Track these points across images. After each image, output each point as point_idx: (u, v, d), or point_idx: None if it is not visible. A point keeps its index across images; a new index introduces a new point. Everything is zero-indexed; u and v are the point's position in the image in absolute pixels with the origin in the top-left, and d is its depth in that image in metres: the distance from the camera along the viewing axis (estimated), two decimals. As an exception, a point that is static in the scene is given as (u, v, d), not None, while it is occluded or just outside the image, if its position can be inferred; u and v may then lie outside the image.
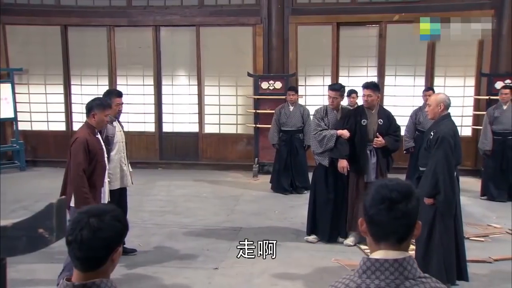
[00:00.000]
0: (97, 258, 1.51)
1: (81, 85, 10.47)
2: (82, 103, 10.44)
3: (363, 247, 5.34)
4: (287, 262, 5.11)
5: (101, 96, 5.08)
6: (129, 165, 5.39)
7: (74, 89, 10.51)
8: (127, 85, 10.39)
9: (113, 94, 5.18)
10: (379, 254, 1.43)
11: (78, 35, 10.30)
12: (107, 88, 10.36)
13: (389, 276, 1.38)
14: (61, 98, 10.53)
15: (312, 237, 5.73)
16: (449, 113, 4.47)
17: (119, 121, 5.34)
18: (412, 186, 1.48)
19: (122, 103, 5.24)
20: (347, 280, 1.43)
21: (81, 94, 10.44)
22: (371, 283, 1.39)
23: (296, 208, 7.11)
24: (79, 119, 10.58)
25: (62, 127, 10.61)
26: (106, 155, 4.57)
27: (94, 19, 10.10)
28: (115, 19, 10.12)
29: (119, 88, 10.29)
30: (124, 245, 5.18)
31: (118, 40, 10.27)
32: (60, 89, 10.50)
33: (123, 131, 5.38)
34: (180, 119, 10.42)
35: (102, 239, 1.49)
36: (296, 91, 8.47)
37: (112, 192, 4.93)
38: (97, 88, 10.43)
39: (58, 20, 10.17)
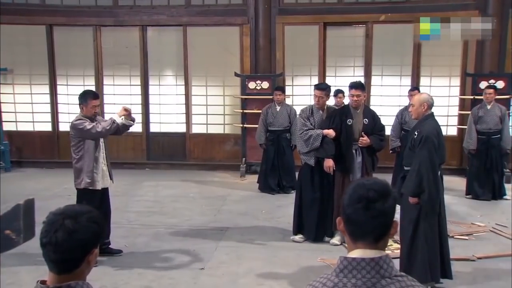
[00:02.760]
0: (72, 260, 1.50)
1: (67, 85, 10.39)
2: (68, 103, 10.41)
3: (349, 246, 5.37)
4: (273, 262, 5.12)
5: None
6: (109, 164, 5.32)
7: (60, 89, 10.43)
8: (113, 85, 10.35)
9: (89, 95, 5.14)
10: (356, 253, 1.44)
11: (64, 35, 10.23)
12: (93, 88, 10.33)
13: (365, 275, 1.39)
14: (47, 98, 10.45)
15: (298, 237, 5.74)
16: (432, 113, 4.51)
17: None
18: (389, 186, 1.49)
19: (98, 105, 5.19)
20: (325, 279, 1.44)
21: (67, 94, 10.37)
22: (348, 282, 1.39)
23: (283, 207, 7.12)
24: (65, 119, 10.51)
25: (48, 127, 10.53)
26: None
27: (80, 19, 10.04)
28: (101, 19, 10.06)
29: (105, 88, 10.30)
30: (110, 246, 5.17)
31: (105, 40, 10.21)
32: (46, 89, 10.42)
33: None
34: (167, 119, 10.39)
35: (78, 241, 1.47)
36: (283, 91, 8.48)
37: (95, 192, 4.94)
38: (83, 88, 10.30)
39: (43, 20, 10.09)
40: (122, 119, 5.03)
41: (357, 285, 1.38)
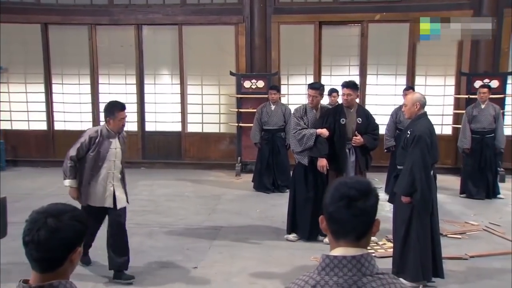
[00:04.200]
0: (55, 259, 1.50)
1: (62, 84, 10.38)
2: (63, 102, 10.41)
3: (342, 245, 5.39)
4: (267, 261, 5.13)
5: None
6: (121, 185, 4.83)
7: (55, 88, 10.42)
8: (109, 84, 10.34)
9: (117, 107, 4.56)
10: (338, 251, 1.45)
11: (59, 34, 10.21)
12: (89, 87, 10.35)
13: (347, 273, 1.40)
14: (42, 97, 10.43)
15: (292, 236, 5.76)
16: (425, 112, 4.53)
17: (121, 136, 4.80)
18: (371, 184, 1.50)
19: (126, 117, 4.67)
20: (307, 277, 1.45)
21: (63, 93, 10.38)
22: (330, 280, 1.41)
23: (278, 207, 7.12)
24: (61, 118, 10.53)
25: (43, 126, 10.51)
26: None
27: (75, 18, 10.02)
28: (97, 18, 10.05)
29: (100, 87, 10.28)
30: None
31: (100, 39, 10.20)
32: (41, 88, 10.40)
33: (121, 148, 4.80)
34: (163, 118, 10.39)
35: (60, 240, 1.47)
36: (278, 90, 8.49)
37: (91, 208, 4.66)
38: (78, 87, 10.39)
39: (38, 18, 10.08)
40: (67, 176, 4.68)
41: (339, 283, 1.40)
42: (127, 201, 4.89)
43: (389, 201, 4.76)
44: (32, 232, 1.46)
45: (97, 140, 4.54)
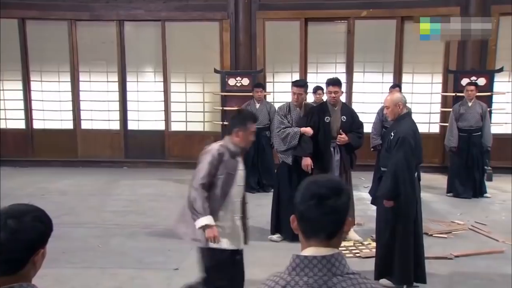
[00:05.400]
0: (16, 261, 1.48)
1: (41, 81, 10.30)
2: (42, 100, 10.32)
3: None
4: (250, 262, 5.07)
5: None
6: (244, 221, 3.96)
7: (33, 85, 10.33)
8: (90, 81, 10.29)
9: (250, 118, 3.76)
10: (308, 251, 1.46)
11: (37, 29, 10.11)
12: (69, 84, 10.26)
13: (317, 273, 1.41)
14: (20, 95, 10.33)
15: (276, 236, 5.78)
16: (408, 111, 4.55)
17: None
18: (342, 183, 1.51)
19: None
20: (277, 277, 1.46)
21: (42, 91, 10.30)
22: (300, 280, 1.41)
23: (262, 206, 7.11)
24: (40, 116, 10.44)
25: (21, 125, 10.41)
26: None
27: (54, 13, 9.93)
28: (77, 13, 9.97)
29: (81, 84, 10.21)
30: None
31: (80, 35, 10.13)
32: (19, 85, 10.30)
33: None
34: (146, 117, 10.36)
35: (21, 241, 1.46)
36: (264, 88, 8.49)
37: (223, 252, 3.69)
38: (58, 84, 10.31)
39: (15, 13, 9.96)
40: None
41: (309, 283, 1.40)
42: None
43: (372, 203, 4.78)
44: (-9, 234, 1.44)
45: (224, 158, 3.60)
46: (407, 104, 7.84)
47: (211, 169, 3.54)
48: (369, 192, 6.25)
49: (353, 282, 1.42)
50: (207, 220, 3.50)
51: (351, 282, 1.42)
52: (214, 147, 3.65)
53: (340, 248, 4.78)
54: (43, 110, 10.38)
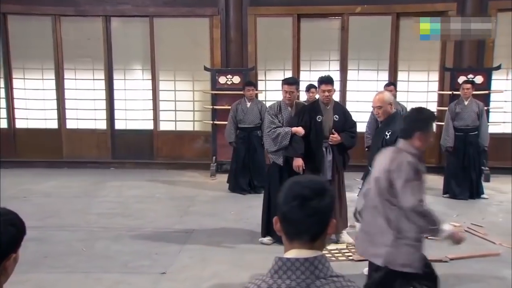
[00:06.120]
0: None
1: (24, 79, 10.25)
2: (25, 99, 10.26)
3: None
4: (240, 265, 5.14)
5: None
6: None
7: (16, 83, 10.27)
8: (75, 79, 10.25)
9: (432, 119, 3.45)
10: (291, 253, 1.47)
11: (20, 25, 10.04)
12: (53, 82, 10.21)
13: (300, 276, 1.42)
14: (2, 93, 10.27)
15: (267, 239, 5.78)
16: (397, 110, 4.59)
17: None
18: (326, 183, 1.52)
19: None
20: (259, 280, 1.46)
21: (25, 89, 10.25)
22: (282, 283, 1.42)
23: (253, 208, 7.12)
24: (23, 115, 10.38)
25: (3, 124, 10.35)
26: None
27: (37, 7, 9.87)
28: (61, 8, 9.92)
29: (66, 82, 10.17)
30: None
31: (65, 31, 10.08)
32: (0, 83, 10.22)
33: None
34: (134, 116, 10.33)
35: None
36: (255, 86, 8.50)
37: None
38: (42, 82, 10.26)
39: (-5, 8, 9.90)
40: None
41: (291, 286, 1.41)
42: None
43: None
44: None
45: (418, 167, 3.29)
46: (402, 103, 7.97)
47: (412, 184, 3.21)
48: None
49: (337, 285, 1.43)
50: (447, 226, 3.35)
51: (334, 285, 1.42)
52: (403, 160, 3.25)
53: (333, 251, 4.79)
54: (26, 109, 10.32)
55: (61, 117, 10.28)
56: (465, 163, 7.76)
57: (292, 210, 1.46)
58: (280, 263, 1.45)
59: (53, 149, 10.19)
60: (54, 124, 10.35)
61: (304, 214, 1.45)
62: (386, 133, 4.43)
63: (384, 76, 9.68)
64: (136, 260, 5.25)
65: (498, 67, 9.06)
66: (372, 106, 4.51)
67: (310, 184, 1.48)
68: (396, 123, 4.47)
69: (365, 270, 4.70)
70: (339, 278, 1.45)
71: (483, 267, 5.09)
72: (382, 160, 3.37)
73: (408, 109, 8.01)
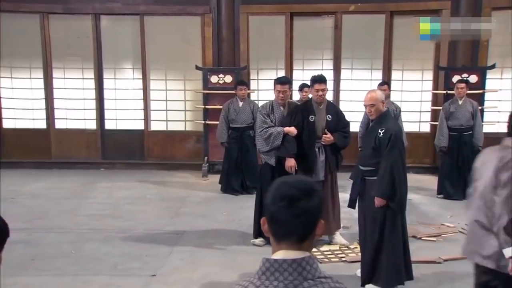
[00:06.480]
0: None
1: (11, 78, 10.20)
2: (13, 98, 10.22)
3: (311, 249, 5.45)
4: (231, 267, 5.15)
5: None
6: None
7: (3, 82, 10.22)
8: (64, 78, 10.22)
9: None
10: (279, 255, 1.47)
11: (7, 23, 9.93)
12: (41, 81, 10.17)
13: (287, 277, 1.43)
14: (-12, 92, 10.22)
15: (259, 240, 5.78)
16: (388, 108, 4.64)
17: None
18: (314, 184, 1.52)
19: None
20: (247, 282, 1.47)
21: (12, 88, 10.21)
22: (270, 285, 1.43)
23: (246, 209, 7.13)
24: (10, 115, 10.34)
25: (-10, 124, 10.30)
26: None
27: (25, 5, 9.81)
28: (49, 6, 9.87)
29: (55, 81, 10.13)
30: None
31: (53, 29, 10.04)
32: (-14, 82, 10.19)
33: None
34: (124, 116, 10.31)
35: None
36: (247, 86, 8.51)
37: None
38: (30, 81, 10.22)
39: (-18, 5, 9.84)
40: None
41: (279, 288, 1.42)
42: None
43: (349, 206, 4.79)
44: None
45: None
46: (396, 103, 8.01)
47: None
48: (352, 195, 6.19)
49: (325, 286, 1.44)
50: None
51: (322, 286, 1.43)
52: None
53: (326, 252, 4.82)
54: (14, 108, 10.27)
55: (50, 117, 10.25)
56: (460, 163, 7.78)
57: (280, 211, 1.46)
58: (268, 264, 1.46)
59: (41, 150, 10.15)
60: (42, 124, 10.31)
61: (291, 215, 1.46)
62: (379, 131, 4.43)
63: (378, 75, 9.70)
64: (126, 262, 5.25)
65: (493, 66, 9.12)
66: (364, 105, 4.52)
67: (298, 184, 1.48)
68: (388, 121, 4.50)
69: (358, 272, 4.74)
70: (327, 279, 1.46)
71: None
72: (489, 158, 3.19)
73: (402, 108, 8.08)
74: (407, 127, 8.36)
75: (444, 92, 9.09)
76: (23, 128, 10.23)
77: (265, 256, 1.51)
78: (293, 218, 1.46)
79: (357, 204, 4.75)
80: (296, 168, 5.53)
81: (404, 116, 7.94)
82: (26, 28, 9.99)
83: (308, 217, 1.48)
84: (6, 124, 10.29)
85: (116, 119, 10.35)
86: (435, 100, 9.64)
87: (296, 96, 8.23)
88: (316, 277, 1.44)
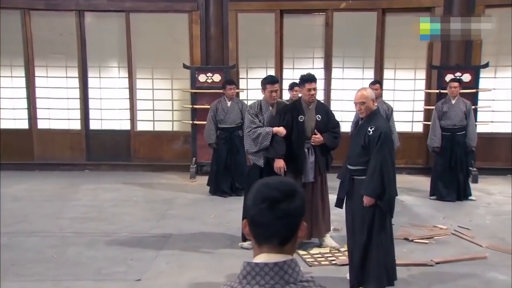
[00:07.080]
0: None
1: (-9, 76, 10.13)
2: (-6, 97, 10.13)
3: (300, 252, 5.46)
4: (218, 271, 5.14)
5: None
6: None
7: (-17, 81, 10.15)
8: (47, 77, 10.17)
9: None
10: (260, 258, 1.47)
11: (-14, 19, 9.91)
12: (23, 80, 10.10)
13: (269, 281, 1.42)
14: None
15: (247, 243, 5.77)
16: (378, 107, 4.67)
17: None
18: (295, 186, 1.52)
19: None
20: (228, 286, 1.47)
21: (-7, 87, 10.12)
22: (251, 289, 1.42)
23: (234, 212, 7.12)
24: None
25: (-29, 124, 10.21)
26: None
27: (5, 0, 9.72)
28: (31, 1, 9.83)
29: (37, 80, 10.07)
30: None
31: (35, 26, 9.99)
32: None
33: None
34: (109, 116, 10.28)
35: None
36: (236, 85, 8.50)
37: None
38: (11, 80, 10.16)
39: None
40: None
41: (260, 292, 1.41)
42: None
43: (337, 205, 4.80)
44: None
45: None
46: (388, 102, 8.04)
47: None
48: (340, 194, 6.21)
49: (307, 290, 1.44)
50: None
51: (305, 290, 1.43)
52: None
53: (315, 255, 4.84)
54: (-3, 108, 10.21)
55: (32, 117, 10.19)
56: (453, 163, 7.82)
57: (261, 213, 1.46)
58: (249, 268, 1.46)
59: (23, 151, 10.08)
60: (24, 124, 10.24)
61: (273, 217, 1.45)
62: (369, 129, 4.45)
63: (370, 74, 9.75)
64: (110, 267, 5.22)
65: (486, 65, 9.19)
66: (355, 102, 4.54)
67: (280, 185, 1.48)
68: (378, 119, 4.53)
69: (348, 275, 4.75)
70: (310, 283, 1.46)
71: (469, 270, 5.15)
72: None
73: (395, 108, 8.12)
74: (400, 127, 8.38)
75: (437, 91, 9.15)
76: (4, 129, 10.14)
77: (253, 259, 1.51)
78: (274, 220, 1.46)
79: (344, 204, 4.76)
80: (285, 169, 5.53)
81: (396, 116, 7.98)
82: (7, 25, 9.90)
83: (290, 219, 1.47)
84: (-9, 126, 10.22)
85: (101, 119, 10.32)
86: (428, 100, 9.70)
87: (286, 96, 8.23)
88: (298, 280, 1.44)
